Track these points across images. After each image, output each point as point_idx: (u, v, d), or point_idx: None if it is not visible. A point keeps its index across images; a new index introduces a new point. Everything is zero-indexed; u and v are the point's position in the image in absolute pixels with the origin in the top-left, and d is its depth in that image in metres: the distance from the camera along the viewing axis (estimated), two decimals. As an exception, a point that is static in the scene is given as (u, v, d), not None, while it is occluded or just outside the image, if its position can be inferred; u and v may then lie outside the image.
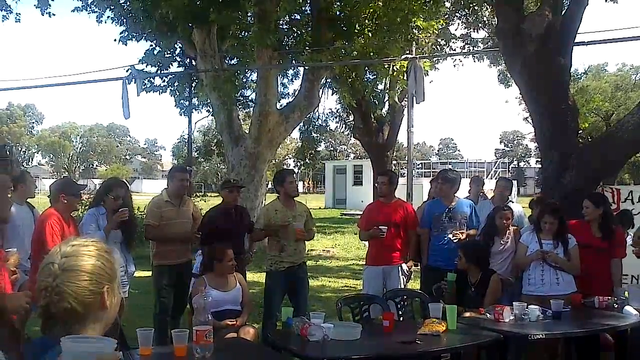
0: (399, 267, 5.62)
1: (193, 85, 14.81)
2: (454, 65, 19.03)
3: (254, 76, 14.17)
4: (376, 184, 5.99)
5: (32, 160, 75.04)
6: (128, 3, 12.34)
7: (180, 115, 16.64)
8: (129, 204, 5.06)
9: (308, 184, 59.99)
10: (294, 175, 5.85)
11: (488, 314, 4.23)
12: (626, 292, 4.81)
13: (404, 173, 16.69)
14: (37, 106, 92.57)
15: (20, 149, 74.14)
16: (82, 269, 1.49)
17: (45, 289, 1.48)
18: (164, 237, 5.47)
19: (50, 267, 1.49)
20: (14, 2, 14.99)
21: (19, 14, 13.07)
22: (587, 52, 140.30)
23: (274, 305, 5.34)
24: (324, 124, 22.32)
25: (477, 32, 18.08)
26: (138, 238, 6.94)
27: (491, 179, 29.92)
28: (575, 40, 6.53)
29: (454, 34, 17.90)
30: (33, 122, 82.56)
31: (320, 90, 14.06)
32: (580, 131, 7.53)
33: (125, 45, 12.65)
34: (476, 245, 5.10)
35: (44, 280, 1.48)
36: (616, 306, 4.45)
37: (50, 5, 12.36)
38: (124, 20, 12.61)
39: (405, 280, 5.69)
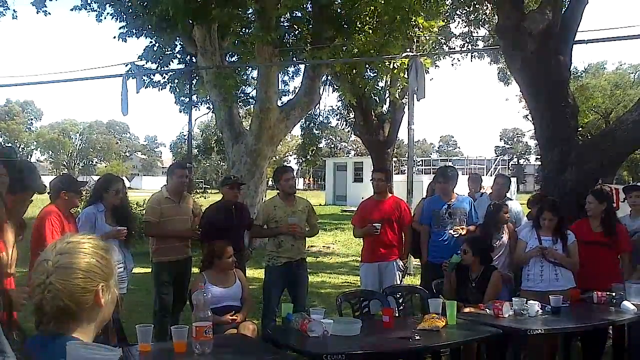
0: (394, 263, 5.62)
1: (193, 82, 14.80)
2: (452, 64, 19.13)
3: (255, 73, 14.18)
4: (371, 180, 5.95)
5: (31, 157, 74.70)
6: (128, -1, 12.33)
7: (181, 112, 16.68)
8: (125, 199, 5.07)
9: (308, 180, 60.04)
10: (292, 171, 5.80)
11: (487, 310, 4.24)
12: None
13: (405, 170, 16.69)
14: (36, 103, 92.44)
15: (19, 145, 74.04)
16: (76, 266, 1.47)
17: (39, 286, 1.46)
18: (164, 233, 5.47)
19: (44, 264, 1.48)
20: (11, -1, 15.01)
21: (16, 11, 13.10)
22: (586, 50, 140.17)
23: (272, 300, 5.37)
24: (324, 121, 22.32)
25: (478, 30, 18.09)
26: (137, 234, 6.94)
27: (491, 176, 29.91)
28: (576, 39, 6.53)
29: (453, 33, 17.91)
30: (32, 119, 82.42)
31: (321, 88, 14.08)
32: (580, 129, 7.53)
33: (125, 42, 12.61)
34: (481, 240, 5.10)
35: (38, 277, 1.47)
36: (615, 301, 4.46)
37: (46, 6, 12.36)
38: (124, 16, 12.58)
39: (400, 276, 5.70)
